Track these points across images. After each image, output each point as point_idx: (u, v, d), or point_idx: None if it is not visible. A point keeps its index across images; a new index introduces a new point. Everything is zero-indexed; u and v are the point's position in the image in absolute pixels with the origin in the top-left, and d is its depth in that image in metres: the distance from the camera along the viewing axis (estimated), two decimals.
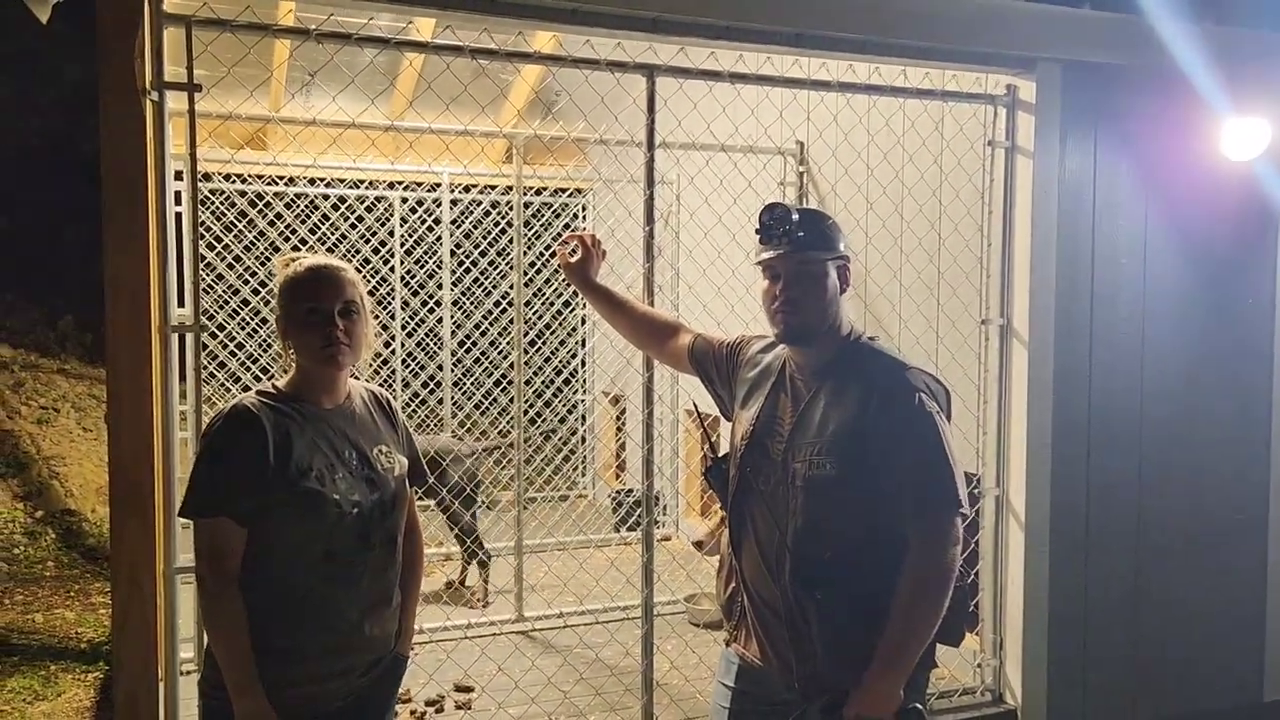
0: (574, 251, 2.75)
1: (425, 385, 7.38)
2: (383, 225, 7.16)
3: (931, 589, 2.03)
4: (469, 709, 3.94)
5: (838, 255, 2.23)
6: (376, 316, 2.25)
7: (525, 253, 5.21)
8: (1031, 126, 3.55)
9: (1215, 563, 3.93)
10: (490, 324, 7.59)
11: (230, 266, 6.36)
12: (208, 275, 6.28)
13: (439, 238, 6.90)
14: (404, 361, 7.43)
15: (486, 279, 7.48)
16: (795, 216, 2.18)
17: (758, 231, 2.23)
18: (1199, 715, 3.96)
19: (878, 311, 4.50)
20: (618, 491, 7.16)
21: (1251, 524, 3.99)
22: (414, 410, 7.43)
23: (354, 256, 6.68)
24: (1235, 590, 3.98)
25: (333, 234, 6.75)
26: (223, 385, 6.43)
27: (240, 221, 6.39)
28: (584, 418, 8.15)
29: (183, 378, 3.10)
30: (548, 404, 7.77)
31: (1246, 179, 3.83)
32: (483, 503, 5.52)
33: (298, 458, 2.01)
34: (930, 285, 4.15)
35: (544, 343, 7.75)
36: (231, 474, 1.97)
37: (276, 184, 6.63)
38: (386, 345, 7.06)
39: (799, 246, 2.17)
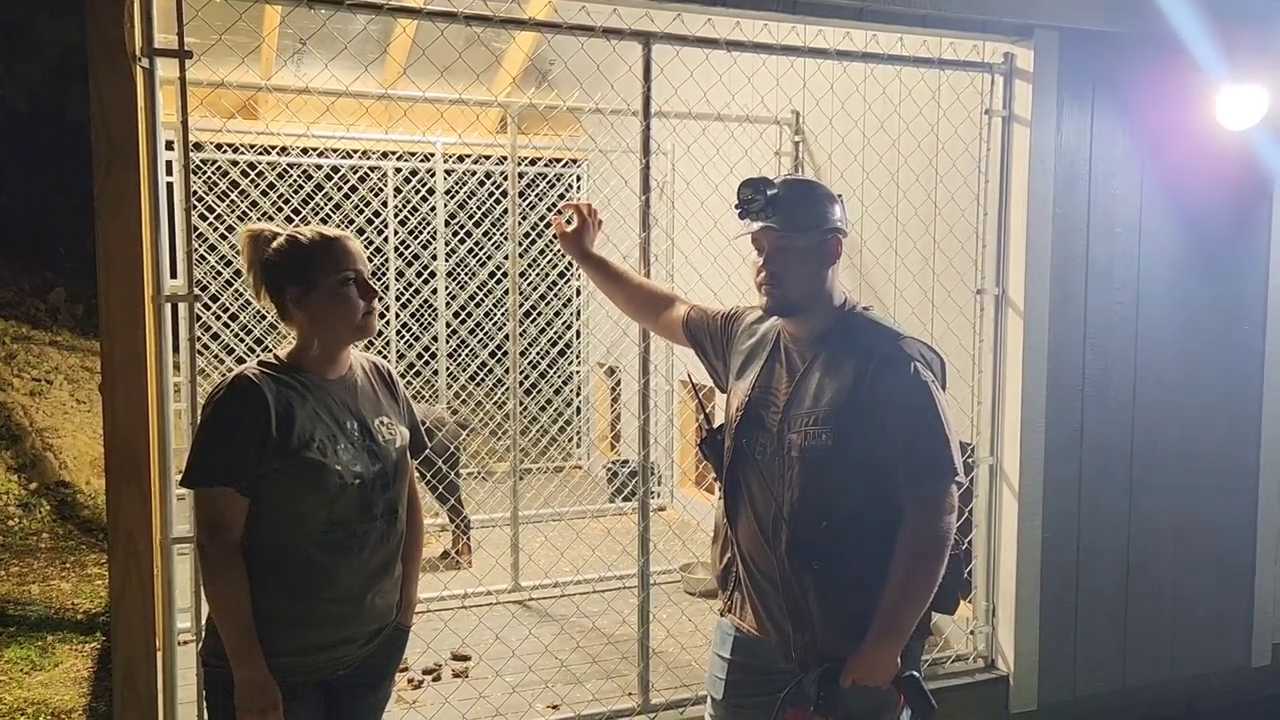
0: (570, 221, 2.74)
1: (420, 356, 7.37)
2: (376, 195, 7.12)
3: (927, 557, 2.04)
4: (466, 677, 3.97)
5: (821, 229, 2.18)
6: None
7: (520, 223, 5.19)
8: (1028, 95, 3.54)
9: (1205, 531, 3.97)
10: (485, 295, 7.57)
11: (223, 237, 6.32)
12: (200, 246, 6.25)
13: (433, 208, 6.86)
14: (399, 332, 7.41)
15: (481, 249, 7.45)
16: (772, 191, 2.15)
17: (736, 207, 2.21)
18: (1188, 681, 4.01)
19: (873, 281, 4.49)
20: (613, 462, 7.18)
21: (1241, 493, 4.03)
22: (409, 381, 7.42)
23: (348, 227, 6.64)
24: (1225, 558, 4.02)
25: (326, 204, 6.70)
26: (216, 356, 6.41)
27: (233, 192, 6.34)
28: (579, 389, 8.15)
29: (175, 349, 3.08)
30: (543, 375, 7.76)
31: (1243, 148, 3.83)
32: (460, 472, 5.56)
33: (300, 428, 2.00)
34: (926, 255, 4.14)
35: (539, 314, 7.73)
36: (234, 444, 1.96)
37: (269, 153, 6.58)
38: (381, 316, 7.03)
39: (779, 223, 2.15)
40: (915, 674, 2.09)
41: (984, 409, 3.71)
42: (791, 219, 2.15)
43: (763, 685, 2.25)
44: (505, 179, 5.59)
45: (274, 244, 2.08)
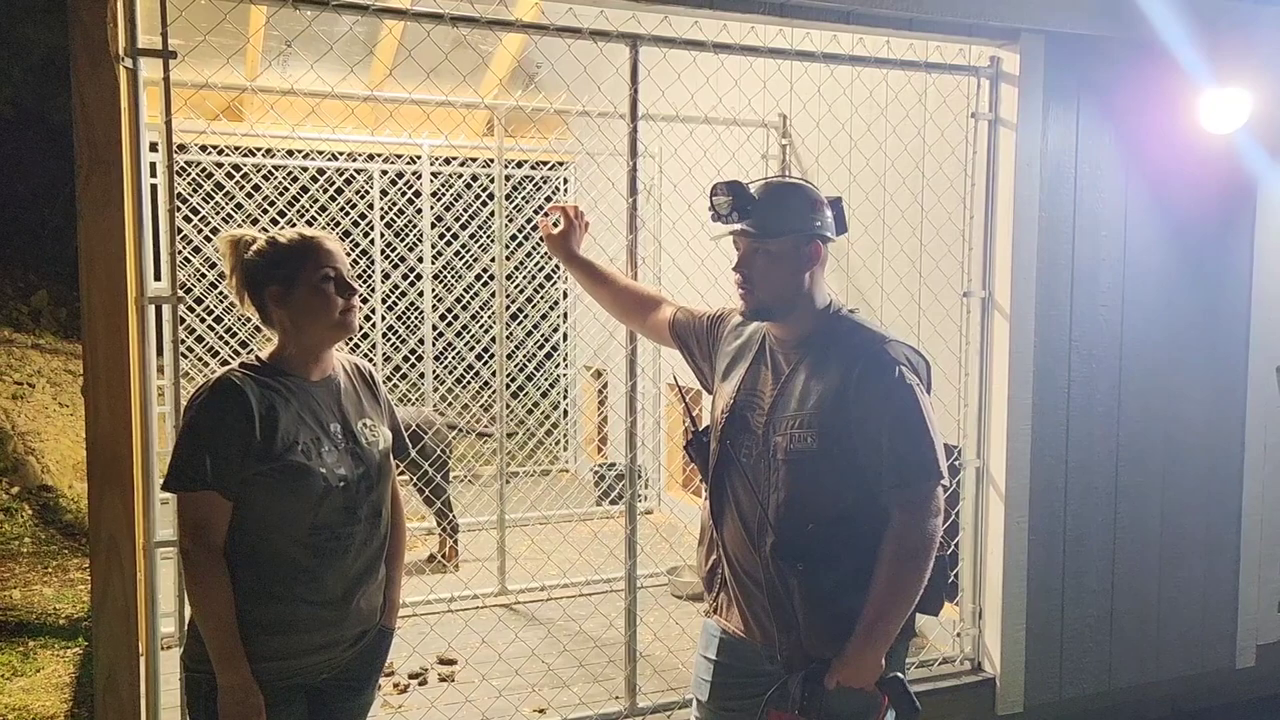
0: (556, 223, 2.73)
1: (406, 359, 7.35)
2: (362, 198, 7.09)
3: (913, 559, 2.03)
4: (452, 681, 3.95)
5: (798, 233, 2.17)
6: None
7: (507, 225, 5.17)
8: (1014, 98, 3.55)
9: (1190, 534, 3.99)
10: (472, 297, 7.55)
11: (207, 239, 6.29)
12: (184, 248, 6.21)
13: (419, 210, 6.84)
14: (385, 335, 7.39)
15: (468, 252, 7.44)
16: (742, 195, 2.15)
17: (709, 210, 2.21)
18: (1173, 683, 4.03)
19: (860, 283, 4.50)
20: (600, 465, 7.17)
21: (1226, 495, 4.05)
22: (395, 384, 7.40)
23: (333, 229, 6.61)
24: (1209, 561, 4.04)
25: (312, 206, 6.68)
26: (200, 359, 6.37)
27: (217, 194, 6.31)
28: (566, 392, 8.14)
29: (160, 352, 3.06)
30: (530, 378, 7.75)
31: (1226, 151, 3.85)
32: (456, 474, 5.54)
33: (283, 431, 1.99)
34: (913, 257, 4.15)
35: (526, 316, 7.72)
36: (216, 447, 1.94)
37: (254, 155, 6.55)
38: (367, 319, 7.02)
39: (751, 226, 2.15)
40: (900, 675, 2.09)
41: (970, 412, 3.72)
42: (763, 223, 2.15)
43: (748, 687, 2.25)
44: (492, 181, 5.58)
45: (254, 247, 2.08)
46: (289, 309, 2.06)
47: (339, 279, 2.08)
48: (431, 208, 6.78)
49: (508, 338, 5.23)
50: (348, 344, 2.23)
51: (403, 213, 7.19)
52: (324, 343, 2.11)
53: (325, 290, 2.05)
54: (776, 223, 2.16)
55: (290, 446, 1.99)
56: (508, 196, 5.30)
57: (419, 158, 6.72)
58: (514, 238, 7.24)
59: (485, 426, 6.36)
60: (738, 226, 2.16)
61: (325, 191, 6.81)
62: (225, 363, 2.12)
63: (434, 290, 6.99)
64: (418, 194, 6.85)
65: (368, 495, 2.11)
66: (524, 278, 7.51)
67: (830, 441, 2.09)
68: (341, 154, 6.70)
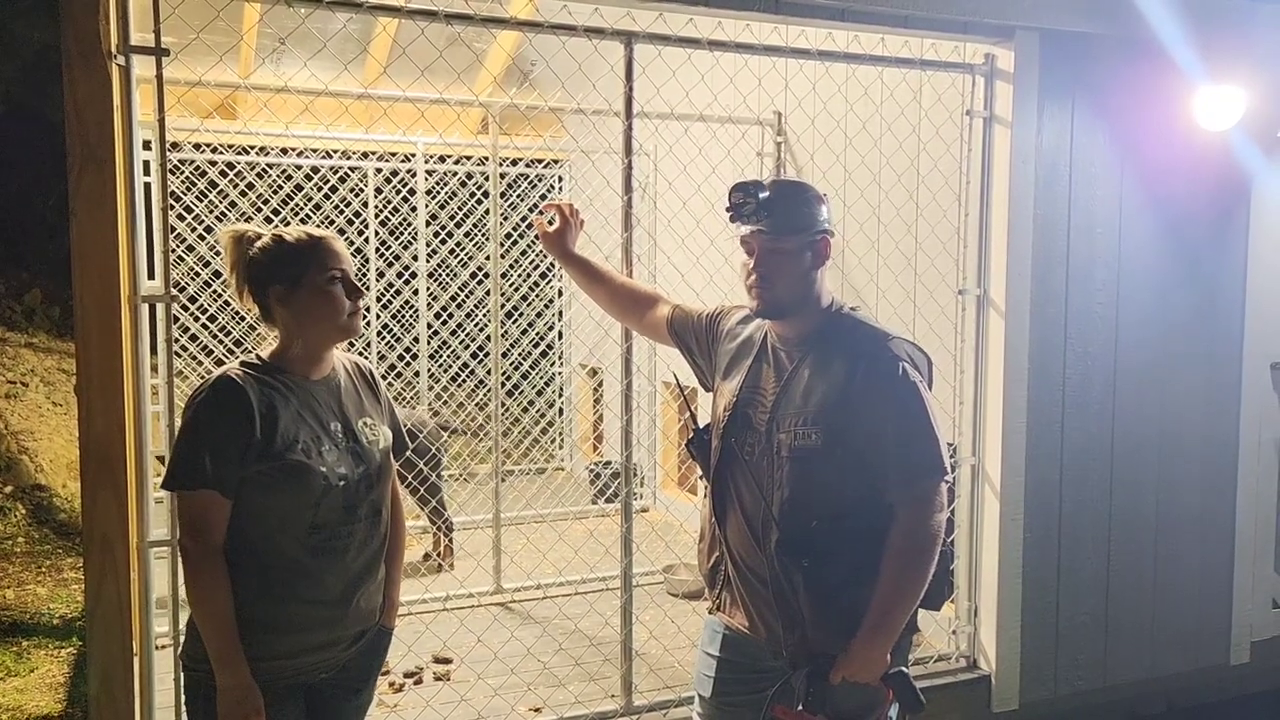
0: (552, 221, 2.73)
1: (401, 358, 7.33)
2: (357, 196, 7.08)
3: (918, 554, 2.05)
4: (448, 680, 3.94)
5: (811, 231, 2.19)
6: None
7: (501, 223, 5.16)
8: (1009, 96, 3.55)
9: (1185, 531, 4.00)
10: (466, 296, 7.54)
11: (201, 237, 6.27)
12: (178, 246, 6.19)
13: (414, 208, 6.83)
14: (379, 334, 7.37)
15: (462, 250, 7.42)
16: (763, 195, 2.16)
17: (728, 210, 2.21)
18: (1168, 679, 4.04)
19: (855, 281, 4.50)
20: (595, 464, 7.16)
21: (1220, 492, 4.05)
22: (390, 383, 7.38)
23: (328, 227, 6.59)
24: (1204, 558, 4.05)
25: (306, 204, 6.65)
26: (194, 358, 6.35)
27: (211, 192, 6.29)
28: (561, 390, 8.13)
29: (153, 350, 3.05)
30: (525, 376, 7.74)
31: (1221, 148, 3.86)
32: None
33: (284, 430, 1.98)
34: (908, 255, 4.15)
35: (521, 314, 7.71)
36: (216, 446, 1.93)
37: (247, 153, 6.52)
38: (362, 317, 6.98)
39: (769, 225, 2.15)
40: (904, 670, 2.10)
41: (966, 409, 3.72)
42: (782, 222, 2.16)
43: (752, 683, 2.25)
44: (487, 179, 5.57)
45: (258, 244, 2.06)
46: (292, 309, 2.04)
47: (346, 280, 2.07)
48: (426, 206, 6.76)
49: (502, 336, 5.22)
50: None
51: (397, 211, 7.17)
52: (327, 344, 2.10)
53: (332, 292, 2.05)
54: (793, 221, 2.17)
55: (290, 445, 1.98)
56: (502, 194, 5.29)
57: (413, 155, 6.70)
58: (509, 236, 7.23)
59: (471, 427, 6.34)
60: (755, 226, 2.16)
61: (319, 190, 6.79)
62: (220, 361, 2.11)
63: (429, 288, 6.97)
64: (412, 192, 6.83)
65: (368, 494, 2.11)
66: (519, 276, 7.50)
67: (834, 438, 2.09)
68: (335, 152, 6.68)
